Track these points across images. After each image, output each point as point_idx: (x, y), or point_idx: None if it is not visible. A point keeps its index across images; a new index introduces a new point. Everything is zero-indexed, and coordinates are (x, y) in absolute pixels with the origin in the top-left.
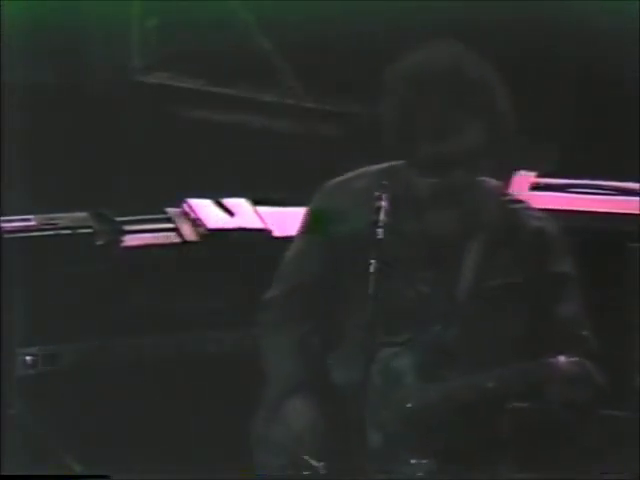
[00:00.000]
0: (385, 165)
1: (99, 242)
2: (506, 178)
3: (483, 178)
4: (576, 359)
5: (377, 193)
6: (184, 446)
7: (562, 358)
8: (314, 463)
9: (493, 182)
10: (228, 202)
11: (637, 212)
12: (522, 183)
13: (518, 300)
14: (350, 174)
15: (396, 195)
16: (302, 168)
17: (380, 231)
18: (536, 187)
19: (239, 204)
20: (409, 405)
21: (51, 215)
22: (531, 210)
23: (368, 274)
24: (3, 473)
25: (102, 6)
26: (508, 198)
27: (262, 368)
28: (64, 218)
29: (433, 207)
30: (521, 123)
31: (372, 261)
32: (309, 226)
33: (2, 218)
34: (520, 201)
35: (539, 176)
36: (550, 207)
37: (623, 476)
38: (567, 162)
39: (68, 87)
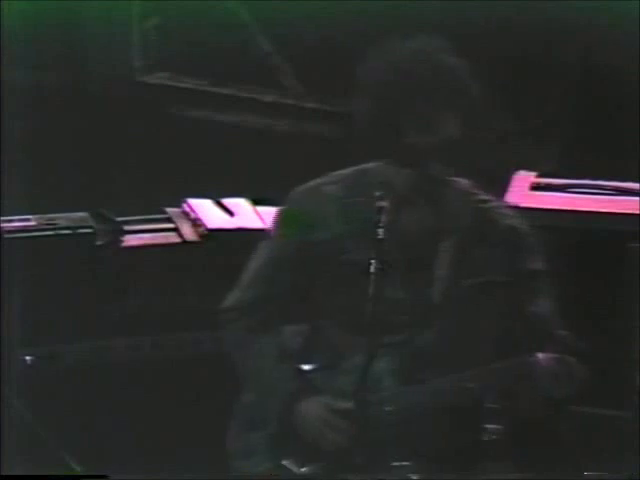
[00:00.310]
0: (354, 169)
1: (99, 242)
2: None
3: (454, 178)
4: (555, 356)
5: (378, 193)
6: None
7: (541, 355)
8: (294, 469)
9: (464, 182)
10: (228, 202)
11: (637, 212)
12: (523, 183)
13: (494, 299)
14: (320, 179)
15: (367, 199)
16: (302, 168)
17: (381, 231)
18: (537, 187)
19: (239, 204)
20: (389, 408)
21: (51, 215)
22: (502, 208)
23: (342, 279)
24: (3, 473)
25: (102, 6)
26: (479, 197)
27: (241, 375)
28: (64, 218)
29: (406, 208)
30: (522, 123)
31: (372, 261)
32: (281, 232)
33: (2, 218)
34: (491, 200)
35: (539, 176)
36: (550, 207)
37: (623, 476)
38: (567, 162)
39: (68, 87)
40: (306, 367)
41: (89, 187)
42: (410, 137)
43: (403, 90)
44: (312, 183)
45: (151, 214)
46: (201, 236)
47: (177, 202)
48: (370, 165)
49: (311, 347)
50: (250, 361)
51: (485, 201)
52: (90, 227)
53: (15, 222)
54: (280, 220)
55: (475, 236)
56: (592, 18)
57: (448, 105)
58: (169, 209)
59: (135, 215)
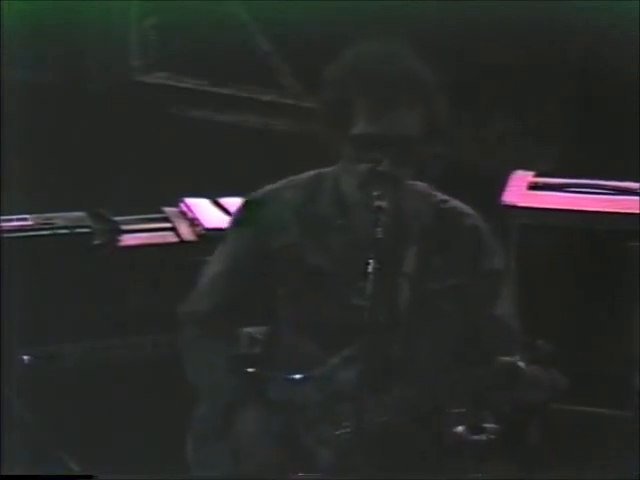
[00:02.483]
0: (311, 173)
1: (97, 241)
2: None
3: (411, 181)
4: (523, 360)
5: (375, 193)
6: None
7: (509, 360)
8: None
9: (421, 184)
10: (225, 202)
11: (635, 211)
12: (520, 182)
13: (460, 302)
14: (276, 184)
15: (324, 204)
16: (300, 168)
17: (379, 230)
18: (534, 186)
19: (236, 204)
20: (347, 425)
21: (48, 215)
22: (462, 208)
23: (301, 285)
24: (3, 473)
25: (101, 6)
26: (438, 198)
27: (193, 382)
28: (61, 218)
29: (366, 211)
30: (520, 123)
31: (370, 260)
32: (238, 237)
33: (1, 217)
34: (449, 200)
35: (537, 175)
36: (548, 206)
37: (623, 476)
38: (566, 161)
39: (67, 87)
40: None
41: (87, 187)
42: (359, 129)
43: (355, 84)
44: (269, 188)
45: (149, 214)
46: (198, 236)
47: (175, 202)
48: (327, 170)
49: (272, 355)
50: (204, 368)
51: (444, 201)
52: (88, 227)
53: (13, 222)
54: (237, 225)
55: (437, 238)
56: (592, 18)
57: (401, 101)
58: (167, 209)
59: (134, 214)
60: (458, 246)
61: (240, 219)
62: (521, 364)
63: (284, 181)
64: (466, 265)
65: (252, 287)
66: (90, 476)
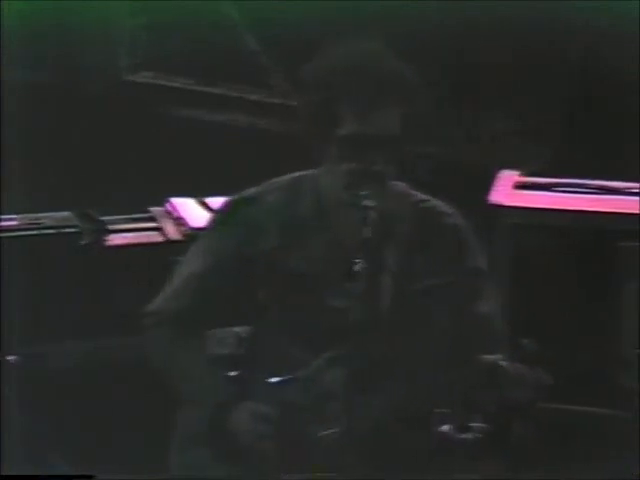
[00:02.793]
0: (291, 177)
1: (83, 241)
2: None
3: (391, 182)
4: (506, 359)
5: (363, 192)
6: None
7: (492, 358)
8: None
9: (400, 184)
10: (211, 201)
11: (623, 211)
12: (506, 181)
13: (443, 302)
14: (256, 188)
15: (305, 206)
16: (288, 167)
17: (368, 230)
18: (521, 186)
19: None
20: (333, 426)
21: (35, 215)
22: (442, 207)
23: (282, 289)
24: (3, 473)
25: (89, 5)
26: (418, 198)
27: (172, 383)
28: (48, 218)
29: (352, 211)
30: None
31: (358, 260)
32: (216, 241)
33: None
34: (428, 200)
35: (523, 175)
36: (534, 206)
37: (623, 476)
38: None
39: (56, 86)
40: (273, 380)
41: (75, 186)
42: (347, 129)
43: (341, 84)
44: (250, 191)
45: (136, 213)
46: (184, 235)
47: (162, 201)
48: (306, 172)
49: (255, 357)
50: (177, 370)
51: (424, 201)
52: (74, 226)
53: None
54: (216, 227)
55: (418, 237)
56: (589, 18)
57: (388, 100)
58: (153, 208)
59: (122, 214)
60: (439, 245)
61: (219, 221)
62: (503, 363)
63: (265, 184)
64: (448, 264)
65: (230, 288)
66: (90, 476)
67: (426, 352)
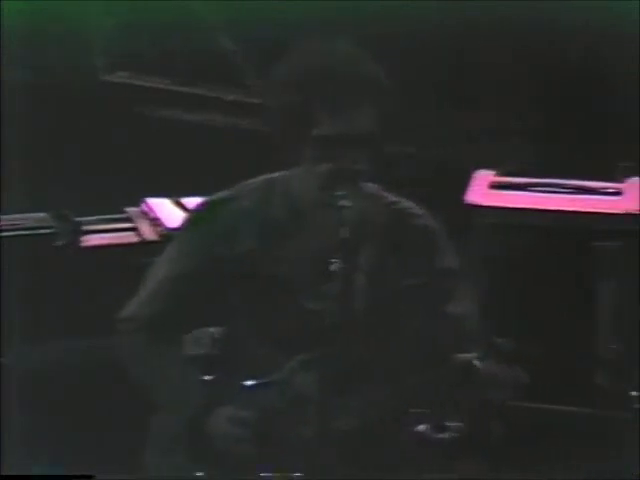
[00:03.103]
0: (262, 179)
1: (59, 242)
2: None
3: (362, 183)
4: (480, 358)
5: (340, 192)
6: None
7: (466, 357)
8: None
9: (371, 185)
10: (187, 201)
11: (596, 210)
12: (482, 181)
13: (416, 303)
14: (227, 192)
15: (276, 209)
16: (265, 167)
17: (344, 230)
18: (496, 185)
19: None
20: (322, 423)
21: (11, 216)
22: (413, 209)
23: (254, 293)
24: (3, 473)
25: (63, 5)
26: (389, 199)
27: (147, 389)
28: (24, 219)
29: (328, 212)
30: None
31: (334, 260)
32: (187, 246)
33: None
34: (400, 201)
35: (499, 175)
36: (509, 205)
37: (623, 476)
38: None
39: (31, 86)
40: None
41: (50, 187)
42: (322, 130)
43: (314, 84)
44: (220, 195)
45: (111, 214)
46: (160, 235)
47: (137, 202)
48: (276, 174)
49: (229, 360)
50: (151, 375)
51: (395, 202)
52: (50, 227)
53: None
54: (187, 232)
55: (390, 239)
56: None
57: (363, 100)
58: (128, 209)
59: (97, 215)
60: (411, 247)
61: (193, 223)
62: (478, 362)
63: (238, 186)
64: (420, 265)
65: (204, 291)
66: (90, 476)
67: (401, 353)
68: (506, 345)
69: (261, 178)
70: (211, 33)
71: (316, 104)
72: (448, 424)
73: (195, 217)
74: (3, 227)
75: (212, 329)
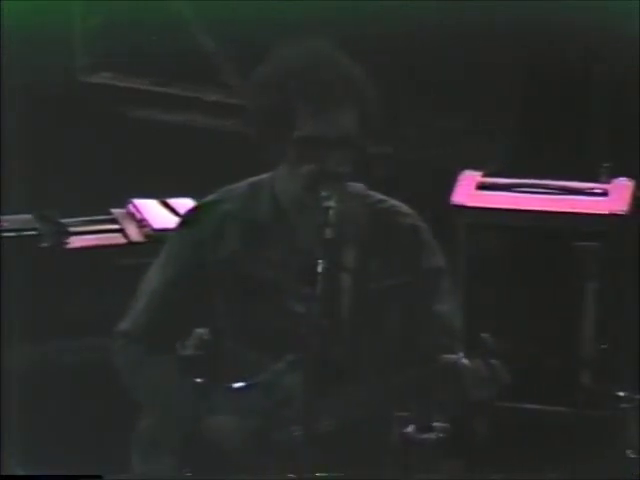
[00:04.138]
0: (248, 182)
1: (44, 244)
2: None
3: (349, 183)
4: (466, 357)
5: (324, 193)
6: None
7: (452, 357)
8: None
9: (358, 185)
10: (174, 202)
11: (583, 211)
12: (469, 182)
13: (401, 301)
14: (214, 195)
15: (262, 211)
16: (247, 168)
17: (329, 231)
18: (483, 186)
19: (185, 204)
20: (295, 430)
21: None
22: (399, 208)
23: (242, 296)
24: (3, 473)
25: (45, 5)
26: (376, 198)
27: (138, 398)
28: (8, 220)
29: (312, 213)
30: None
31: (320, 261)
32: (176, 253)
33: None
34: (386, 200)
35: (485, 175)
36: (496, 206)
37: (623, 476)
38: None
39: (11, 87)
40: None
41: (33, 189)
42: (305, 131)
43: (295, 85)
44: (206, 200)
45: (97, 215)
46: (147, 237)
47: (122, 203)
48: (261, 177)
49: (218, 365)
50: (147, 385)
51: (382, 201)
52: (35, 229)
53: None
54: (174, 240)
55: (376, 238)
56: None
57: (345, 101)
58: (114, 210)
59: (81, 216)
60: (397, 245)
61: (177, 233)
62: (464, 361)
63: (220, 192)
64: (406, 264)
65: (190, 302)
66: (98, 476)
67: (387, 352)
68: (490, 344)
69: (248, 180)
70: (193, 33)
71: (296, 105)
72: (433, 424)
73: (183, 222)
74: None
75: (200, 330)
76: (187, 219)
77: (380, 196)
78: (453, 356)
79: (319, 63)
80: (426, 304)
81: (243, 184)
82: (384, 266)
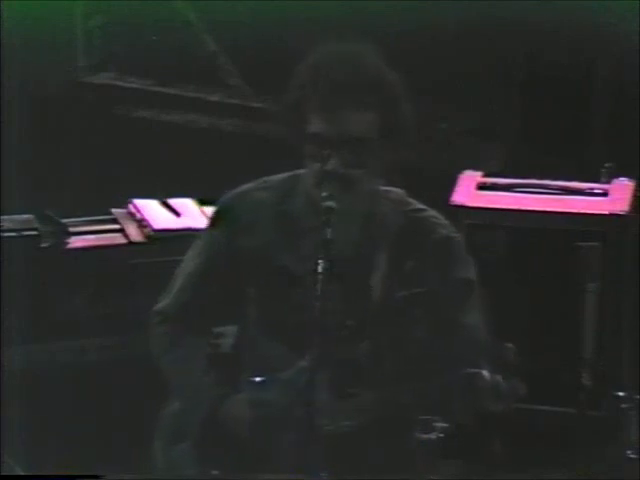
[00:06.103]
0: (287, 175)
1: (44, 244)
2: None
3: (386, 188)
4: (488, 370)
5: (324, 193)
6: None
7: (475, 371)
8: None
9: (398, 191)
10: (174, 202)
11: (583, 211)
12: (469, 182)
13: (428, 310)
14: (251, 184)
15: (297, 205)
16: (248, 168)
17: (329, 231)
18: (483, 186)
19: (185, 204)
20: (326, 422)
21: None
22: (436, 218)
23: (272, 287)
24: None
25: (45, 6)
26: (413, 207)
27: (166, 381)
28: (8, 220)
29: (337, 215)
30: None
31: (320, 261)
32: (211, 237)
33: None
34: (424, 209)
35: (485, 175)
36: (497, 206)
37: (623, 476)
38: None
39: (11, 88)
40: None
41: (34, 189)
42: (314, 127)
43: (311, 84)
44: (243, 188)
45: (97, 215)
46: (147, 237)
47: (123, 203)
48: (302, 171)
49: (243, 356)
50: (175, 365)
51: (419, 210)
52: (35, 229)
53: None
54: (210, 225)
55: (408, 246)
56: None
57: (357, 102)
58: (115, 210)
59: (83, 216)
60: (429, 254)
61: (214, 219)
62: (486, 374)
63: (259, 181)
64: (436, 273)
65: (223, 287)
66: (97, 476)
67: (407, 358)
68: (511, 356)
69: (284, 174)
70: (194, 34)
71: (313, 103)
72: (437, 424)
73: (217, 212)
74: None
75: (229, 327)
76: (223, 206)
77: (420, 205)
78: (475, 370)
79: (335, 62)
80: (453, 314)
81: (282, 176)
82: (413, 273)
